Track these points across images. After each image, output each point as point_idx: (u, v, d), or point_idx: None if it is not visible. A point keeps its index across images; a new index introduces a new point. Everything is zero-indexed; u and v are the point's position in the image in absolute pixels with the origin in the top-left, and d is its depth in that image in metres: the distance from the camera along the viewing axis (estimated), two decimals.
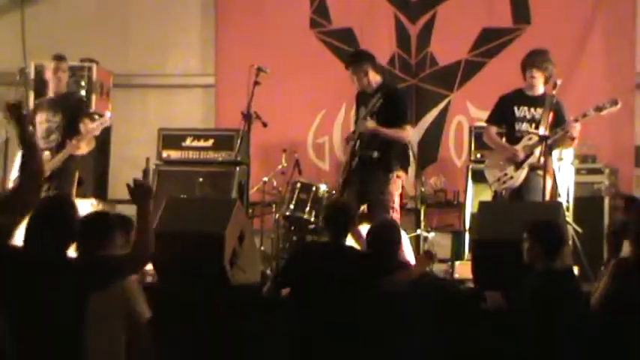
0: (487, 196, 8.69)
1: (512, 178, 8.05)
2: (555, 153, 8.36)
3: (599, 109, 7.96)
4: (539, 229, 5.98)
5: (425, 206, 9.52)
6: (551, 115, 7.94)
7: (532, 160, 7.96)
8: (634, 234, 6.05)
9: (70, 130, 8.67)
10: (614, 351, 5.88)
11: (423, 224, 9.29)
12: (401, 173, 8.22)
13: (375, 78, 8.31)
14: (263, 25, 11.15)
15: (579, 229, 7.98)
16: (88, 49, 10.64)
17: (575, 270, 7.02)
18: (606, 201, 9.35)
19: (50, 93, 8.97)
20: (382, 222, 6.83)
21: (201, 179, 9.51)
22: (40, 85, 9.62)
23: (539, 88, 8.14)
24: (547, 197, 7.95)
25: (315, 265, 6.24)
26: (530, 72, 8.10)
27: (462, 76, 10.83)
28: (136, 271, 5.12)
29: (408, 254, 7.44)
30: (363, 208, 7.83)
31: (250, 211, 9.21)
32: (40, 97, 9.44)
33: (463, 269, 7.84)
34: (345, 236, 6.46)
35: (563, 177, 9.00)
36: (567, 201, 8.99)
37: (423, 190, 9.75)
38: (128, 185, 4.60)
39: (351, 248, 6.64)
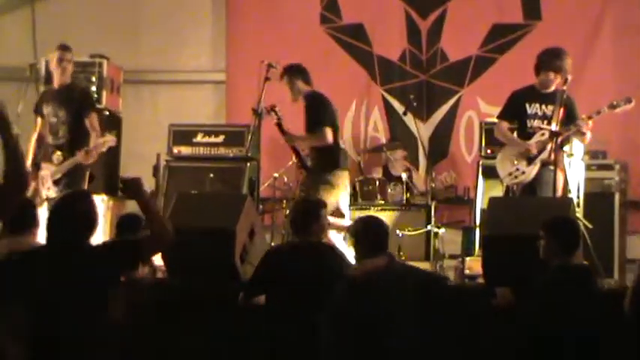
0: (498, 191, 8.70)
1: (524, 173, 8.05)
2: (565, 149, 8.35)
3: (612, 106, 7.97)
4: (557, 225, 5.96)
5: (435, 202, 9.51)
6: (562, 110, 7.94)
7: (544, 155, 7.97)
8: None
9: (76, 126, 8.60)
10: None
11: (433, 220, 9.29)
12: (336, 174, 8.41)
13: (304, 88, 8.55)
14: (274, 21, 11.17)
15: (589, 225, 7.96)
16: (98, 45, 10.65)
17: None
18: (616, 197, 9.34)
19: (55, 84, 8.84)
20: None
21: (211, 175, 9.54)
22: (50, 81, 9.63)
23: (553, 87, 8.14)
24: (559, 193, 7.95)
25: (288, 266, 6.15)
26: (546, 74, 8.09)
27: (472, 71, 10.82)
28: (158, 249, 5.17)
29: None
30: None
31: (261, 206, 9.24)
32: None
33: (473, 265, 7.84)
34: (313, 233, 6.31)
35: (574, 173, 8.98)
36: (577, 197, 8.96)
37: (433, 185, 9.77)
38: (120, 188, 4.74)
39: (321, 243, 6.43)
